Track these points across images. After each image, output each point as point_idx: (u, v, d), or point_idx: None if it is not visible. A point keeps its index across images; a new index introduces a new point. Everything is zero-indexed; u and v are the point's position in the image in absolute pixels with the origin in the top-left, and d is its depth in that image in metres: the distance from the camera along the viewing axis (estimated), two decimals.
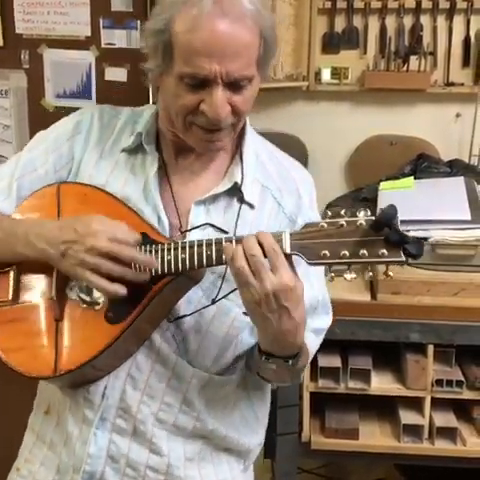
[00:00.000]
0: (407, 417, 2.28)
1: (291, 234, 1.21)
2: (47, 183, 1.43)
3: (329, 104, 2.85)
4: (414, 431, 2.26)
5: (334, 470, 2.93)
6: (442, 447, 2.25)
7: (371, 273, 1.22)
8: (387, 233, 1.14)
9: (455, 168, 2.62)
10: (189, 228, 1.37)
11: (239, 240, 1.22)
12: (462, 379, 2.22)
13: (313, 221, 1.21)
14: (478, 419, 2.26)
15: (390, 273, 1.20)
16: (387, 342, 2.23)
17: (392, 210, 1.15)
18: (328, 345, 2.03)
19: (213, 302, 1.36)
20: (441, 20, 2.73)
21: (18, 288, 1.37)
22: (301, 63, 2.75)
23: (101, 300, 1.32)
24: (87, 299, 1.33)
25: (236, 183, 1.41)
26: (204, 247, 1.24)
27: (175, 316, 1.37)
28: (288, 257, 1.20)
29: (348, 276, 1.19)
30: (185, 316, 1.37)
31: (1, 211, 1.43)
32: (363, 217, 1.17)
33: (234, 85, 1.28)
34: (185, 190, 1.42)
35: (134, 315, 1.28)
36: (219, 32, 1.23)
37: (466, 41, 2.75)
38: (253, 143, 1.47)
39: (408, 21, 2.75)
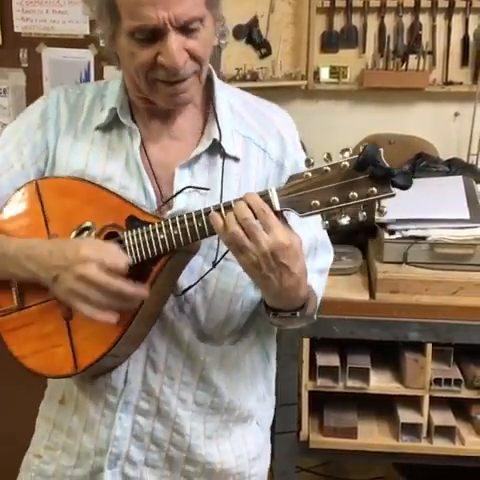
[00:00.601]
0: (405, 416, 2.28)
1: (278, 190, 1.19)
2: (26, 176, 1.42)
3: (328, 103, 2.85)
4: (412, 430, 2.26)
5: (332, 469, 2.93)
6: (440, 446, 2.25)
7: (365, 213, 1.19)
8: (372, 170, 1.12)
9: (454, 167, 2.62)
10: (173, 195, 1.36)
11: (227, 206, 1.20)
12: (460, 378, 2.22)
13: (295, 173, 1.19)
14: (476, 418, 2.26)
15: (385, 209, 1.17)
16: (386, 341, 2.23)
17: (373, 148, 1.13)
18: (327, 344, 2.04)
19: (214, 265, 1.36)
20: (440, 19, 2.74)
21: (22, 294, 1.37)
22: (300, 62, 2.76)
23: None
24: None
25: (215, 139, 1.39)
26: (194, 220, 1.23)
27: (181, 289, 1.37)
28: (279, 214, 1.19)
29: (344, 220, 1.17)
30: (191, 287, 1.37)
31: None
32: (346, 158, 1.14)
33: (186, 29, 1.25)
34: (166, 157, 1.40)
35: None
36: None
37: (465, 40, 2.75)
38: (225, 95, 1.45)
39: (407, 20, 2.75)
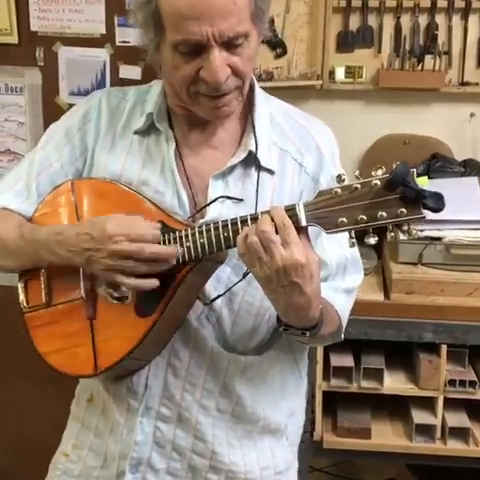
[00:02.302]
0: (419, 417, 2.28)
1: (305, 205, 1.17)
2: (65, 175, 1.45)
3: (343, 103, 2.84)
4: (426, 431, 2.26)
5: (346, 469, 2.93)
6: (454, 447, 2.25)
7: (392, 233, 1.17)
8: (403, 191, 1.10)
9: (469, 168, 2.61)
10: (206, 203, 1.36)
11: (254, 218, 1.20)
12: (475, 379, 2.21)
13: (326, 188, 1.18)
14: None
15: (413, 231, 1.15)
16: (400, 342, 2.22)
17: (405, 168, 1.10)
18: (341, 344, 2.04)
19: (244, 276, 1.34)
20: (456, 19, 2.72)
21: (50, 291, 1.39)
22: (315, 62, 2.74)
23: (129, 294, 1.32)
24: (115, 294, 1.34)
25: (251, 151, 1.38)
26: (220, 229, 1.23)
27: (208, 298, 1.37)
28: (304, 229, 1.17)
29: (371, 240, 1.15)
30: (219, 296, 1.37)
31: (22, 212, 1.45)
32: (376, 177, 1.12)
33: (229, 45, 1.25)
34: (201, 165, 1.40)
35: (163, 306, 1.29)
36: None
37: None
38: (266, 106, 1.44)
39: (423, 20, 2.73)
